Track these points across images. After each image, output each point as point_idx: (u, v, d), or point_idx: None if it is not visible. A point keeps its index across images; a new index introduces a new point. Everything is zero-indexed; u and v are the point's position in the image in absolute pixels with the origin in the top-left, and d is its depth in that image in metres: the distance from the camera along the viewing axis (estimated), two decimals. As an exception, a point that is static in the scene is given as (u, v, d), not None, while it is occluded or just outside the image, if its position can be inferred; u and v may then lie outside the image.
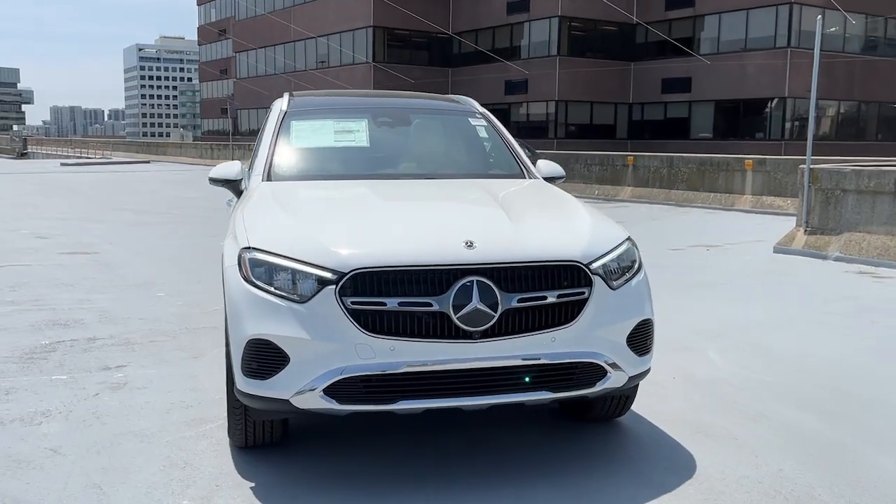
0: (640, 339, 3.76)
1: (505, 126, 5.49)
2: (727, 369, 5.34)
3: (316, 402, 3.33)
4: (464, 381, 3.41)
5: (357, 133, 5.02)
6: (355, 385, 3.33)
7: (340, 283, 3.31)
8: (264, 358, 3.37)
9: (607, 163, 20.51)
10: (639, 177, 19.64)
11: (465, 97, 5.75)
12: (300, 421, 4.18)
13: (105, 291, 7.84)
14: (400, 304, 3.31)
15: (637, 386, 4.12)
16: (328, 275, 3.33)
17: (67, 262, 9.69)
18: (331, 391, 3.32)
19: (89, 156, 50.88)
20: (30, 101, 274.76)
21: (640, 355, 3.76)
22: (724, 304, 7.47)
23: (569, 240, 3.64)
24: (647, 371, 3.86)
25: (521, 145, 5.28)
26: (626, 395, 4.13)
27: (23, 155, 52.51)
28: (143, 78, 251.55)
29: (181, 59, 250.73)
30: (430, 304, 3.32)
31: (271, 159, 4.73)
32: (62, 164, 38.92)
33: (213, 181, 4.79)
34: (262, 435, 3.80)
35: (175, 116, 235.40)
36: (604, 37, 44.44)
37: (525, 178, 4.92)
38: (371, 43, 46.82)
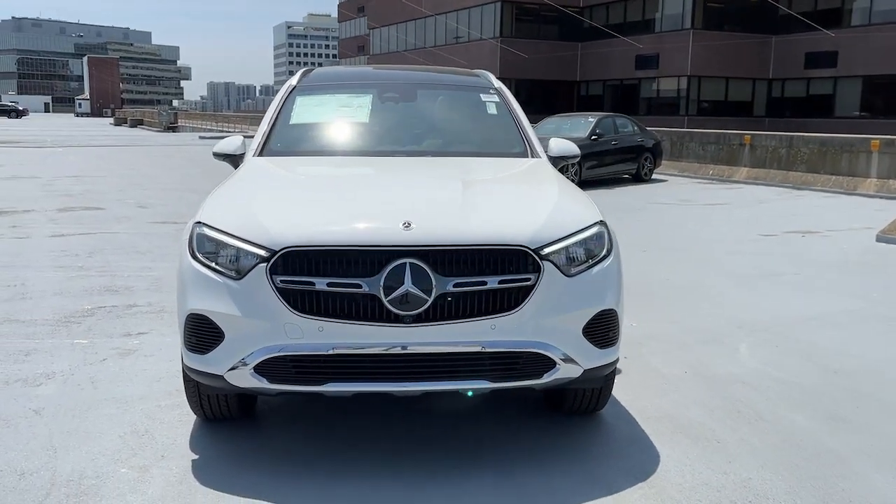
0: (601, 330, 3.53)
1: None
2: (750, 367, 4.97)
3: (247, 379, 3.32)
4: (395, 366, 3.31)
5: (359, 109, 4.95)
6: (285, 364, 3.29)
7: (271, 261, 3.27)
8: (202, 333, 3.38)
9: (723, 142, 19.55)
10: (756, 157, 18.63)
11: (485, 71, 5.58)
12: (277, 399, 4.20)
13: (170, 261, 8.15)
14: (329, 284, 3.24)
15: (610, 379, 3.89)
16: (262, 252, 3.29)
17: (153, 231, 10.15)
18: (260, 369, 3.30)
19: (229, 130, 53.23)
20: (188, 78, 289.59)
21: (600, 347, 3.54)
22: (788, 295, 6.97)
23: (519, 224, 3.45)
24: (611, 364, 3.63)
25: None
26: (596, 389, 3.90)
27: (171, 128, 55.43)
28: (290, 55, 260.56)
29: (326, 37, 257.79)
30: (360, 286, 3.23)
31: (267, 135, 4.75)
32: (200, 138, 40.86)
33: (216, 155, 4.85)
34: (217, 409, 3.84)
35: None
36: (742, 8, 42.19)
37: (527, 157, 4.72)
38: (499, 18, 46.42)
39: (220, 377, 3.37)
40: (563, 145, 4.95)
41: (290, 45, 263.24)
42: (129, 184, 16.42)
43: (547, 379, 3.42)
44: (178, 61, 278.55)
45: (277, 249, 3.27)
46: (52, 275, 7.37)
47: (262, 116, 5.15)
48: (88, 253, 8.51)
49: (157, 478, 3.38)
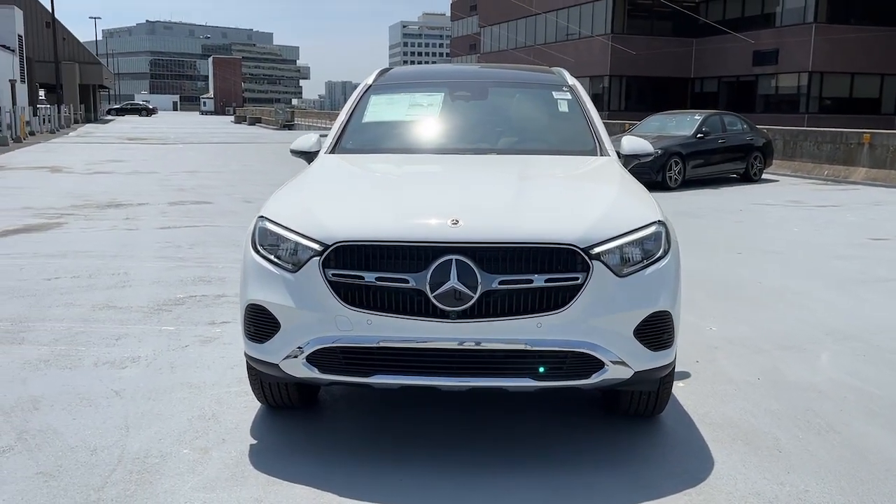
0: (653, 332, 3.47)
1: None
2: (828, 375, 4.76)
3: (300, 369, 3.44)
4: (440, 360, 3.35)
5: (430, 107, 5.01)
6: (335, 355, 3.39)
7: (324, 255, 3.37)
8: (260, 323, 3.52)
9: (839, 141, 18.66)
10: (875, 157, 17.70)
11: (560, 69, 5.54)
12: (339, 390, 4.33)
13: (264, 253, 8.46)
14: (377, 278, 3.32)
15: (667, 383, 3.81)
16: (316, 246, 3.40)
17: (253, 225, 10.52)
18: (312, 359, 3.41)
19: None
20: (307, 77, 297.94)
21: (653, 350, 3.48)
22: (889, 303, 6.62)
23: (569, 222, 3.43)
24: (665, 367, 3.56)
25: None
26: (652, 392, 3.83)
27: (287, 126, 57.17)
28: (405, 54, 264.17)
29: (440, 35, 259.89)
30: (407, 281, 3.30)
31: (341, 132, 4.88)
32: (320, 136, 42.01)
33: (293, 152, 5.02)
34: (278, 396, 3.98)
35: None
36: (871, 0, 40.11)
37: (597, 155, 4.66)
38: (610, 14, 45.71)
39: (276, 366, 3.50)
40: (635, 143, 4.88)
41: (405, 44, 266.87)
42: (240, 179, 17.08)
43: (595, 380, 3.39)
44: (297, 61, 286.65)
45: (330, 244, 3.37)
46: (153, 264, 7.78)
47: None
48: (190, 245, 8.92)
49: (215, 460, 3.54)
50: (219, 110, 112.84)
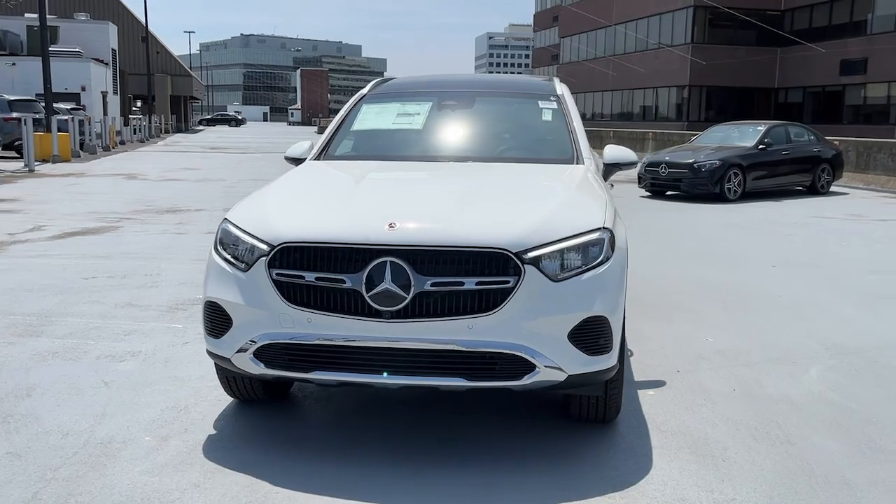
0: (589, 336, 3.52)
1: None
2: (809, 389, 4.69)
3: (248, 363, 3.62)
4: (375, 359, 3.48)
5: (416, 116, 5.16)
6: (279, 351, 3.56)
7: (270, 255, 3.56)
8: (216, 318, 3.73)
9: (915, 152, 17.94)
10: (952, 170, 16.94)
11: (555, 78, 5.59)
12: (311, 386, 4.49)
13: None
14: (317, 278, 3.48)
15: (616, 389, 3.85)
16: (264, 247, 3.59)
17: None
18: (259, 355, 3.59)
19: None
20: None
21: (589, 354, 3.53)
22: (906, 318, 6.42)
23: (503, 227, 3.52)
24: (604, 372, 3.60)
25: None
26: (600, 397, 3.86)
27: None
28: (490, 65, 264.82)
29: (526, 46, 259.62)
30: (344, 281, 3.44)
31: (328, 140, 5.08)
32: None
33: (287, 159, 5.24)
34: (243, 390, 4.17)
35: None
36: (969, 6, 38.31)
37: (573, 163, 4.71)
38: (690, 24, 44.98)
39: (229, 360, 3.69)
40: (616, 152, 4.92)
41: (491, 55, 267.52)
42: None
43: (526, 381, 3.46)
44: (384, 73, 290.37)
45: (276, 244, 3.55)
46: (187, 266, 8.14)
47: None
48: (228, 249, 9.26)
49: (171, 448, 3.75)
50: (305, 121, 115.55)
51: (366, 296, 3.41)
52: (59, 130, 24.04)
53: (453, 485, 3.43)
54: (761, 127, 17.16)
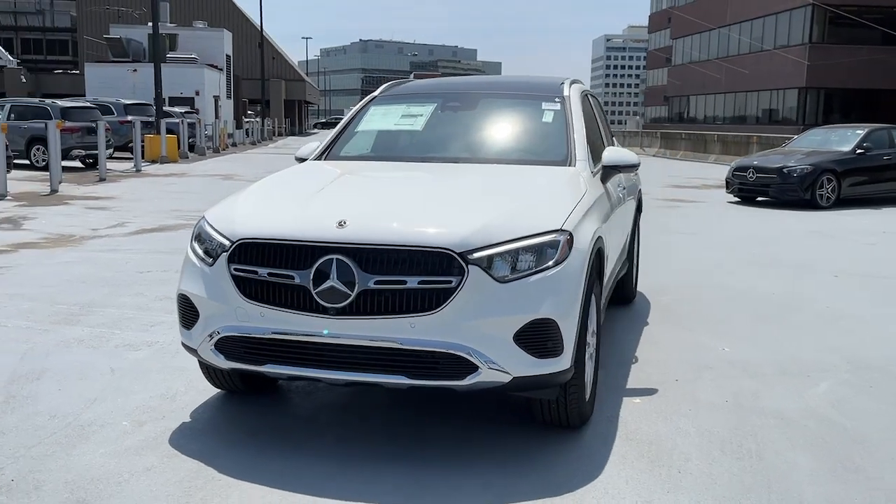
0: (537, 339, 3.50)
1: None
2: (808, 404, 4.47)
3: (210, 355, 3.77)
4: (321, 354, 3.56)
5: (418, 118, 5.20)
6: (235, 344, 3.70)
7: (230, 251, 3.69)
8: (187, 311, 3.90)
9: None
10: None
11: (567, 79, 5.49)
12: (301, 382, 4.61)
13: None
14: (269, 274, 3.59)
15: (575, 393, 3.79)
16: (226, 242, 3.73)
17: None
18: (218, 347, 3.73)
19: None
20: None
21: (537, 357, 3.51)
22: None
23: (450, 227, 3.53)
24: (554, 375, 3.56)
25: None
26: (560, 402, 3.80)
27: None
28: (608, 67, 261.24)
29: (645, 48, 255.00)
30: (293, 277, 3.54)
31: (332, 140, 5.20)
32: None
33: (296, 159, 5.39)
34: (221, 380, 4.32)
35: (633, 104, 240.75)
36: None
37: (565, 165, 4.65)
38: (808, 24, 43.09)
39: (196, 351, 3.85)
40: (615, 154, 4.82)
41: (608, 57, 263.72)
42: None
43: (469, 382, 3.46)
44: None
45: (235, 240, 3.69)
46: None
47: None
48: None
49: (142, 433, 3.93)
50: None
51: (313, 292, 3.49)
52: (170, 133, 25.31)
53: (390, 482, 3.46)
54: (860, 130, 16.29)
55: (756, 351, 5.46)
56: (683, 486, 3.45)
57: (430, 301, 3.43)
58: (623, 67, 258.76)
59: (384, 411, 4.31)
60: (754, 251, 9.96)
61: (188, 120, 28.67)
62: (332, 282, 3.46)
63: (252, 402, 4.39)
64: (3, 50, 58.93)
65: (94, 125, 19.22)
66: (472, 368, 3.44)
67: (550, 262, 3.57)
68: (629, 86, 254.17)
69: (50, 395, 4.43)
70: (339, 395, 4.52)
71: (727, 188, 16.37)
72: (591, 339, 4.09)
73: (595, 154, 4.92)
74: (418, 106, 5.32)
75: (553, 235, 3.63)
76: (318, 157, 5.10)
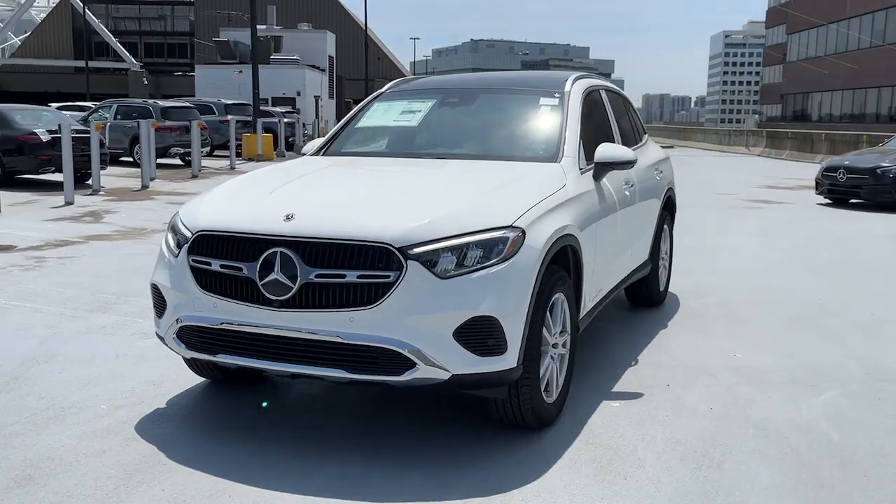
0: (477, 336, 3.45)
1: None
2: (801, 415, 4.22)
3: (173, 343, 3.89)
4: (266, 345, 3.61)
5: (416, 114, 5.19)
6: (192, 333, 3.80)
7: (190, 242, 3.80)
8: (157, 300, 4.03)
9: None
10: None
11: (573, 75, 5.32)
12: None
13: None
14: (221, 265, 3.67)
15: (528, 393, 3.71)
16: (188, 234, 3.84)
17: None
18: (179, 336, 3.84)
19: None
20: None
21: (478, 354, 3.46)
22: None
23: (391, 222, 3.51)
24: (506, 374, 3.52)
25: None
26: (514, 401, 3.72)
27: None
28: (726, 64, 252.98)
29: (764, 45, 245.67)
30: (241, 269, 3.61)
31: (333, 136, 5.26)
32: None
33: (300, 154, 5.48)
34: (201, 368, 4.42)
35: (751, 103, 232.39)
36: None
37: (552, 162, 4.53)
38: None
39: (163, 339, 3.98)
40: (608, 151, 4.67)
41: (726, 54, 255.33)
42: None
43: (407, 377, 3.44)
44: (612, 74, 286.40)
45: (194, 232, 3.79)
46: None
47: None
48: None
49: (115, 416, 4.08)
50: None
51: (259, 284, 3.55)
52: (269, 132, 26.13)
53: (335, 474, 3.47)
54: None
55: (770, 357, 5.19)
56: (623, 493, 3.32)
57: (369, 295, 3.43)
58: (742, 64, 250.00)
59: (355, 405, 4.33)
60: (820, 255, 9.46)
61: (288, 119, 29.49)
62: (276, 274, 3.51)
63: (230, 392, 4.49)
64: (128, 53, 62.25)
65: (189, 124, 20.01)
66: (410, 364, 3.42)
67: (496, 259, 3.51)
68: (748, 83, 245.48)
69: (49, 378, 4.65)
70: (319, 388, 4.57)
71: (817, 189, 15.59)
72: (558, 339, 4.00)
73: (593, 151, 4.78)
74: (419, 102, 5.32)
75: (502, 232, 3.56)
76: (317, 153, 5.16)
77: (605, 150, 4.68)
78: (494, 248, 3.53)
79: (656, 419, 4.12)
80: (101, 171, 16.06)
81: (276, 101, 36.08)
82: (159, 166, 19.68)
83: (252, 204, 3.87)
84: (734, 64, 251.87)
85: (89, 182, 15.35)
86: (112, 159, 22.46)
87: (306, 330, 3.49)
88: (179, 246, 3.89)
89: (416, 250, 3.43)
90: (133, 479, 3.40)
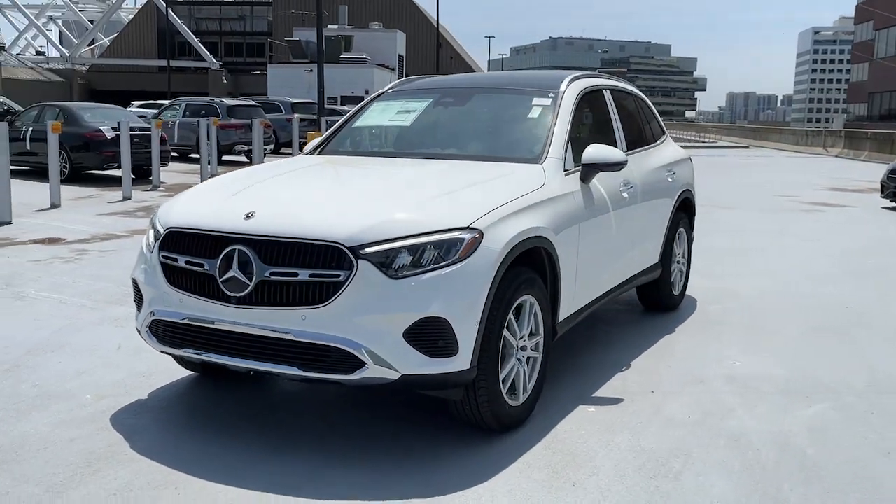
0: (428, 337, 3.45)
1: None
2: (781, 428, 4.08)
3: (146, 337, 4.00)
4: (228, 341, 3.67)
5: (410, 114, 5.20)
6: (161, 327, 3.90)
7: (161, 239, 3.90)
8: (136, 295, 4.15)
9: None
10: None
11: (572, 75, 5.24)
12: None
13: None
14: (186, 262, 3.76)
15: (486, 395, 3.67)
16: (161, 230, 3.94)
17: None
18: (151, 330, 3.95)
19: (699, 139, 52.90)
20: (703, 89, 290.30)
21: (429, 356, 3.46)
22: None
23: (344, 221, 3.54)
24: (455, 375, 3.50)
25: None
26: (471, 402, 3.69)
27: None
28: (814, 62, 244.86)
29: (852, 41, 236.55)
30: (203, 266, 3.68)
31: (330, 135, 5.31)
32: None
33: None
34: (185, 362, 4.52)
35: (840, 101, 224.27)
36: None
37: (536, 163, 4.46)
38: None
39: (140, 332, 4.09)
40: (596, 152, 4.58)
41: (815, 51, 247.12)
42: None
43: (356, 377, 3.46)
44: (694, 72, 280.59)
45: (165, 229, 3.89)
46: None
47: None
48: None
49: (97, 406, 4.21)
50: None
51: (219, 280, 3.61)
52: (332, 130, 26.46)
53: (275, 473, 3.51)
54: None
55: (772, 367, 5.01)
56: (566, 500, 3.27)
57: (320, 294, 3.46)
58: (832, 62, 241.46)
59: (333, 404, 4.37)
60: (868, 261, 9.07)
61: (352, 118, 29.82)
62: (234, 271, 3.57)
63: (213, 386, 4.58)
64: (208, 53, 63.99)
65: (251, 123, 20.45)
66: (359, 364, 3.43)
67: (450, 261, 3.49)
68: (838, 81, 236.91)
69: (48, 367, 4.83)
70: (300, 386, 4.61)
71: (882, 192, 14.96)
72: (527, 342, 3.96)
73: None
74: (416, 102, 5.32)
75: (458, 233, 3.54)
76: (312, 152, 5.22)
77: (592, 152, 4.59)
78: (451, 249, 3.51)
79: (627, 426, 4.03)
80: (164, 168, 16.59)
81: (345, 100, 36.52)
82: (223, 163, 20.18)
83: (220, 201, 3.95)
84: (823, 61, 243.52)
85: (152, 178, 15.85)
86: (182, 156, 23.16)
87: (261, 327, 3.55)
88: (154, 242, 4.00)
89: (368, 250, 3.44)
90: (91, 467, 3.51)
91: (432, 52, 58.88)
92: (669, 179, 6.05)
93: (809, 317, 6.29)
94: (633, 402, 4.37)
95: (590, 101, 5.22)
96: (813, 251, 9.66)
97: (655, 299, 6.24)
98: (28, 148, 16.22)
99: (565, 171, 4.51)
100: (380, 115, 5.38)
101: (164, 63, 56.54)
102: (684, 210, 6.45)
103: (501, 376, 3.77)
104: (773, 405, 4.36)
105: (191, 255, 3.74)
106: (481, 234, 3.59)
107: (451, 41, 71.35)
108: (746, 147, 43.26)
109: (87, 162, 16.17)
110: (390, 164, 4.66)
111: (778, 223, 12.13)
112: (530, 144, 4.66)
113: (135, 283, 4.13)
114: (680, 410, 4.26)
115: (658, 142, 6.27)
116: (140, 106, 33.70)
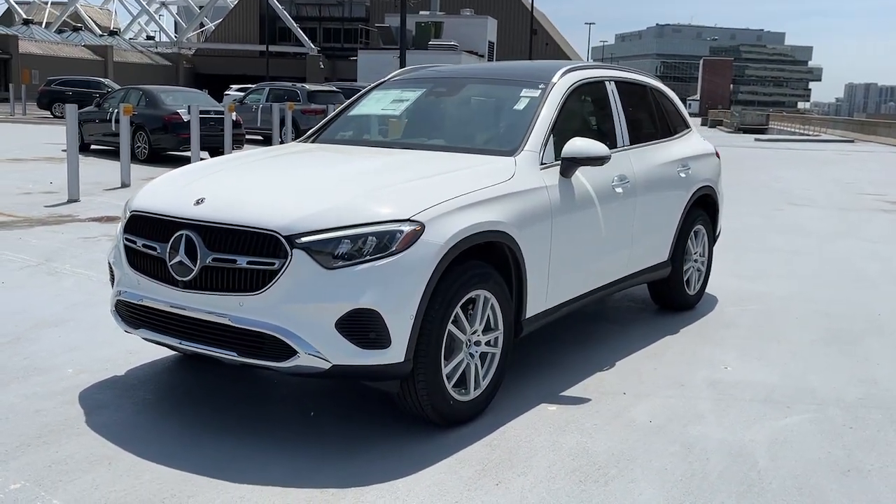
0: (360, 328, 3.46)
1: None
2: (746, 437, 3.90)
3: (113, 317, 4.14)
4: (176, 323, 3.77)
5: (403, 103, 5.19)
6: (123, 309, 4.03)
7: (125, 222, 4.03)
8: (111, 276, 4.30)
9: None
10: None
11: (567, 66, 5.10)
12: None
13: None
14: (143, 245, 3.87)
15: (426, 388, 3.66)
16: (128, 213, 4.07)
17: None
18: (116, 309, 4.09)
19: (802, 132, 50.79)
20: (818, 79, 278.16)
21: (361, 347, 3.47)
22: None
23: (282, 210, 3.57)
24: (387, 367, 3.52)
25: None
26: (412, 395, 3.67)
27: (752, 130, 54.87)
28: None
29: None
30: (156, 249, 3.79)
31: (325, 123, 5.36)
32: (756, 140, 39.94)
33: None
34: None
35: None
36: None
37: (510, 155, 4.38)
38: None
39: (110, 312, 4.24)
40: (577, 146, 4.45)
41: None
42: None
43: (288, 364, 3.50)
44: (808, 62, 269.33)
45: (130, 212, 4.01)
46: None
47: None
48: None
49: (74, 380, 4.39)
50: (703, 111, 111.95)
51: (168, 264, 3.71)
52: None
53: (207, 456, 3.57)
54: None
55: (764, 374, 4.80)
56: (482, 499, 3.22)
57: (256, 281, 3.51)
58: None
59: (305, 394, 4.42)
60: (926, 265, 8.55)
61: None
62: (180, 255, 3.66)
63: (193, 368, 4.70)
64: (307, 39, 65.31)
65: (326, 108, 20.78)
66: (291, 352, 3.47)
67: (385, 252, 3.48)
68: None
69: (47, 341, 5.06)
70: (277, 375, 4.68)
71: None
72: (480, 337, 3.92)
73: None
74: (410, 91, 5.31)
75: (397, 225, 3.53)
76: (307, 140, 5.27)
77: (571, 146, 4.47)
78: (390, 241, 3.50)
79: (581, 428, 3.94)
80: (237, 150, 17.05)
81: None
82: (299, 147, 20.61)
83: (181, 187, 4.04)
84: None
85: (224, 160, 16.32)
86: (266, 140, 23.76)
87: (204, 311, 3.63)
88: (120, 224, 4.14)
89: (304, 239, 3.46)
90: (41, 438, 3.67)
91: (526, 39, 58.41)
92: (682, 174, 5.83)
93: (830, 324, 5.97)
94: (599, 402, 4.26)
95: (587, 94, 5.09)
96: (870, 253, 9.15)
97: (667, 298, 6.06)
98: (113, 129, 16.94)
99: (543, 164, 4.41)
100: (375, 105, 5.39)
101: (264, 48, 57.99)
102: (703, 206, 6.21)
103: (446, 371, 3.74)
104: (745, 414, 4.18)
105: (146, 239, 3.85)
106: (422, 226, 3.56)
107: (547, 27, 70.59)
108: (851, 141, 41.26)
109: (164, 143, 16.79)
110: (365, 154, 4.66)
111: (846, 223, 11.55)
112: (508, 136, 4.58)
113: (109, 265, 4.28)
114: (644, 414, 4.13)
115: (676, 136, 6.05)
116: (238, 90, 34.79)
